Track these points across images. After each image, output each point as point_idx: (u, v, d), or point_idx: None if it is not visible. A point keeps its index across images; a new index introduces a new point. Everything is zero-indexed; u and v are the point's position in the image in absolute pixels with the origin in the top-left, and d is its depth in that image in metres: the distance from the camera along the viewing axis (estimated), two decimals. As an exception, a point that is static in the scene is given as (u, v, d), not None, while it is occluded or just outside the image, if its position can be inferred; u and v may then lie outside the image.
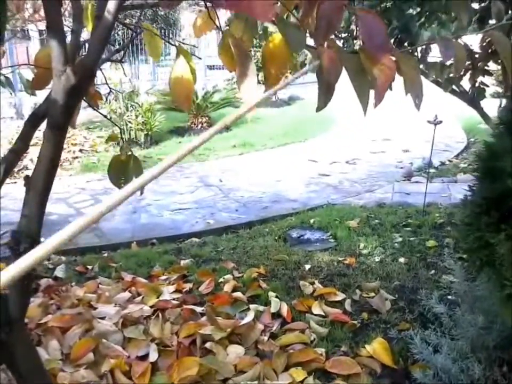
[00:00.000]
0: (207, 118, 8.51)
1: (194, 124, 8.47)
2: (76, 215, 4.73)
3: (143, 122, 7.32)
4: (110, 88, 1.93)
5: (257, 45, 7.60)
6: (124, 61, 2.00)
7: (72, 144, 7.42)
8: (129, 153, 1.82)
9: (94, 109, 1.83)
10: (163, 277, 3.25)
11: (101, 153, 6.99)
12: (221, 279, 3.11)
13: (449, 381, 1.79)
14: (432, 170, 5.68)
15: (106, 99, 7.60)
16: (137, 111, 7.28)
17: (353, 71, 1.11)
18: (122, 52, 2.09)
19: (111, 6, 1.10)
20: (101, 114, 2.00)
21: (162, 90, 8.67)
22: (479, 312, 1.91)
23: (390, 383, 2.04)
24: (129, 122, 7.37)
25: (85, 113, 9.22)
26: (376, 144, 7.51)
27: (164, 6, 1.22)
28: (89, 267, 3.46)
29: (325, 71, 1.09)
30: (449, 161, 6.50)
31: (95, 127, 8.52)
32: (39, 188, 1.21)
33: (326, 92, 1.12)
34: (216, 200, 5.07)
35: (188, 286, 3.08)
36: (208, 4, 1.38)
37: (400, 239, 3.64)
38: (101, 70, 1.85)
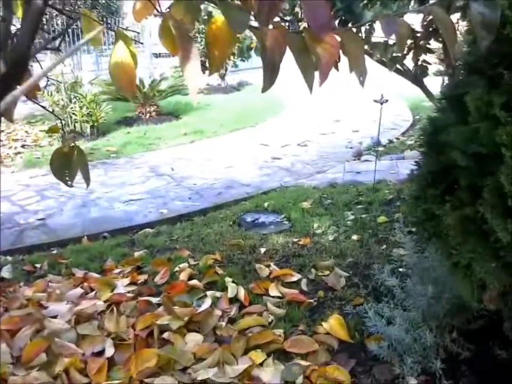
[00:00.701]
0: (155, 107, 8.33)
1: (143, 113, 8.27)
2: (21, 213, 4.53)
3: (88, 113, 7.08)
4: (48, 78, 1.84)
5: (203, 30, 7.48)
6: (60, 49, 1.91)
7: (13, 140, 7.10)
8: (72, 144, 1.75)
9: (34, 102, 1.73)
10: (116, 270, 3.17)
11: (45, 147, 6.71)
12: (177, 268, 3.06)
13: (403, 350, 1.84)
14: (380, 149, 5.81)
15: (48, 91, 7.30)
16: (81, 102, 7.02)
17: (297, 51, 1.11)
18: (59, 40, 1.99)
19: None
20: (41, 106, 1.90)
21: (106, 80, 8.39)
22: (428, 282, 1.97)
23: (347, 357, 2.08)
24: (74, 114, 7.10)
25: (26, 107, 8.80)
26: (326, 125, 7.59)
27: None
28: (38, 265, 3.33)
29: (268, 51, 1.08)
30: (397, 139, 6.67)
31: (37, 120, 8.17)
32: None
33: (271, 72, 1.10)
34: (168, 189, 4.98)
35: (142, 277, 3.01)
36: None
37: (352, 217, 3.71)
38: (37, 60, 1.75)
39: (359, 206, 3.91)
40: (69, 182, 1.66)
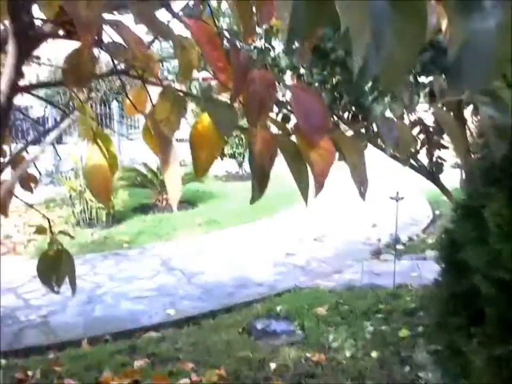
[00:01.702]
0: (172, 195, 8.34)
1: (159, 201, 8.28)
2: (24, 308, 4.35)
3: (104, 201, 7.08)
4: (39, 173, 1.74)
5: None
6: (54, 142, 1.84)
7: (28, 225, 7.08)
8: (60, 247, 1.62)
9: (16, 197, 1.62)
10: (113, 383, 2.92)
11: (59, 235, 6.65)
12: (177, 385, 2.80)
13: None
14: (400, 247, 5.59)
15: (66, 176, 7.40)
16: (99, 189, 7.05)
17: (290, 156, 0.97)
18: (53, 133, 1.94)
19: (2, 85, 0.93)
20: (22, 201, 1.75)
21: (126, 166, 8.53)
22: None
23: None
24: (90, 200, 7.12)
25: (45, 191, 8.92)
26: (343, 219, 7.44)
27: (68, 85, 1.07)
28: (30, 373, 3.10)
29: (257, 156, 0.95)
30: (417, 236, 6.44)
31: (55, 205, 8.22)
32: None
33: (260, 179, 0.96)
34: (178, 286, 4.78)
35: (139, 395, 2.76)
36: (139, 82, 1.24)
37: (372, 328, 3.43)
38: (26, 151, 1.66)
39: (379, 315, 3.64)
40: (56, 289, 1.52)
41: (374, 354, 3.07)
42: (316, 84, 3.40)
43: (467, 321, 1.60)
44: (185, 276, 5.06)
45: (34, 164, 1.84)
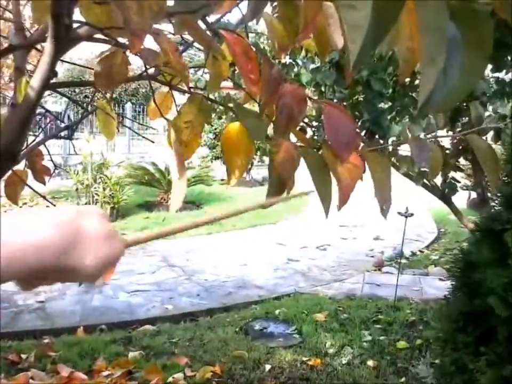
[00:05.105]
0: (177, 194, 8.35)
1: (164, 200, 8.28)
2: (22, 292, 4.34)
3: (110, 195, 7.11)
4: (55, 166, 1.74)
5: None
6: (72, 138, 1.84)
7: (33, 213, 7.10)
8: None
9: (29, 187, 1.62)
10: (105, 373, 2.90)
11: (62, 225, 6.67)
12: (170, 379, 2.77)
13: None
14: (403, 261, 5.54)
15: (75, 170, 7.44)
16: (105, 183, 7.08)
17: (315, 169, 0.98)
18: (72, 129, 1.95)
19: (35, 82, 0.94)
20: (33, 190, 1.75)
21: (134, 164, 8.56)
22: None
23: None
24: (96, 194, 7.15)
25: (52, 182, 8.98)
26: (347, 229, 7.40)
27: (99, 86, 1.07)
28: (24, 356, 3.08)
29: (278, 164, 0.96)
30: (420, 251, 6.39)
31: (61, 196, 8.25)
32: None
33: (276, 187, 0.97)
34: (177, 283, 4.76)
35: (131, 385, 2.73)
36: (165, 87, 1.25)
37: (370, 338, 3.39)
38: (45, 146, 1.67)
39: (378, 326, 3.60)
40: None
41: (370, 363, 3.02)
42: (335, 101, 3.43)
43: (476, 339, 1.57)
44: (185, 273, 5.04)
45: (50, 156, 1.85)
